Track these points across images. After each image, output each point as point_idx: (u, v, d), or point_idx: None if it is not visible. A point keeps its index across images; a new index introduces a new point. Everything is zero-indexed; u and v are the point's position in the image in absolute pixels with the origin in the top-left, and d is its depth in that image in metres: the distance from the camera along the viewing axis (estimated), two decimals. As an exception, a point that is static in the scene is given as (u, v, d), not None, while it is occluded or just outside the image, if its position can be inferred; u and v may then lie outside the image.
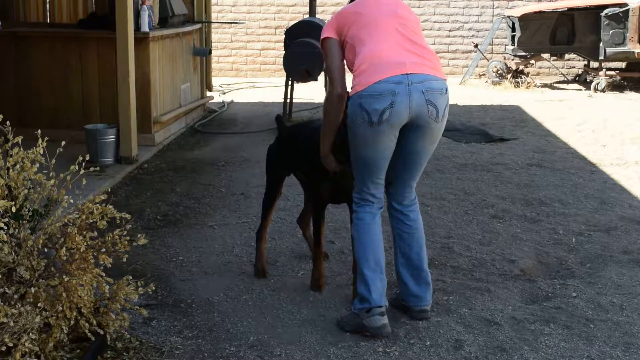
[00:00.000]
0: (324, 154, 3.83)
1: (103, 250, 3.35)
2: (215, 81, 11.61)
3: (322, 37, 3.83)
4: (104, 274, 3.37)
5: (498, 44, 13.15)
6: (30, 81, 7.45)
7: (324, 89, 8.73)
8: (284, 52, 8.33)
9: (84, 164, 3.45)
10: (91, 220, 3.34)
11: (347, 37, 3.72)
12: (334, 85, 3.70)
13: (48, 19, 9.53)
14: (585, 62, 12.57)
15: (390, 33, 3.68)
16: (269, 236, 5.05)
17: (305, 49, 7.76)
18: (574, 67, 13.25)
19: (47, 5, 9.52)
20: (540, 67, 13.20)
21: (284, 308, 3.98)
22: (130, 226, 3.48)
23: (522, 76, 12.11)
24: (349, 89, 3.70)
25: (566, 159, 7.33)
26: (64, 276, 3.17)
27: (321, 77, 8.51)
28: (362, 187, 3.78)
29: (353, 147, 3.71)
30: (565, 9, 11.82)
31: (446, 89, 3.70)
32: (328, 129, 3.78)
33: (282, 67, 8.88)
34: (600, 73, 11.68)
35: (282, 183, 4.48)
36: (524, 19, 11.69)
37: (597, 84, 11.58)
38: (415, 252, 3.88)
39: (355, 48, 3.68)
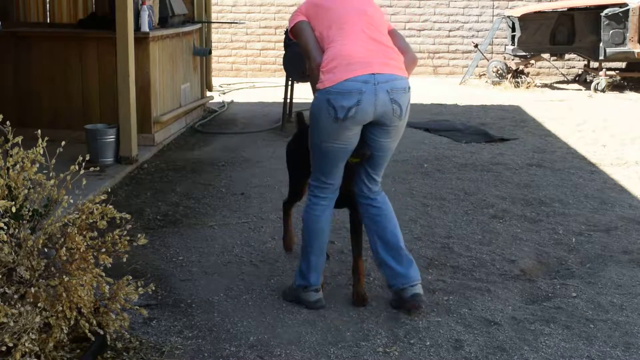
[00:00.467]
0: None
1: (103, 250, 3.35)
2: (215, 81, 11.61)
3: (291, 26, 4.00)
4: (104, 274, 3.37)
5: (498, 44, 13.15)
6: (30, 81, 7.45)
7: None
8: (284, 52, 8.33)
9: (84, 164, 3.45)
10: (91, 220, 3.34)
11: (315, 31, 3.90)
12: (312, 58, 3.86)
13: (48, 19, 9.53)
14: (585, 62, 12.57)
15: (358, 32, 3.82)
16: (269, 236, 5.06)
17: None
18: (574, 67, 13.25)
19: (47, 5, 9.52)
20: (540, 67, 13.20)
21: (284, 308, 3.99)
22: (130, 226, 3.48)
23: (522, 76, 12.11)
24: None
25: (566, 159, 7.33)
26: (64, 276, 3.17)
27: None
28: (318, 176, 3.98)
29: (313, 136, 3.90)
30: (565, 9, 11.82)
31: (409, 88, 3.86)
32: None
33: (282, 67, 8.88)
34: (600, 73, 11.68)
35: (306, 181, 4.31)
36: (524, 19, 11.68)
37: (597, 84, 11.58)
38: (390, 231, 4.03)
39: (324, 43, 3.85)
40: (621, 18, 11.32)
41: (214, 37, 12.32)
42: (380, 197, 4.07)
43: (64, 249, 3.21)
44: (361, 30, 3.82)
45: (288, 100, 8.87)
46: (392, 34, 4.03)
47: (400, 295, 3.95)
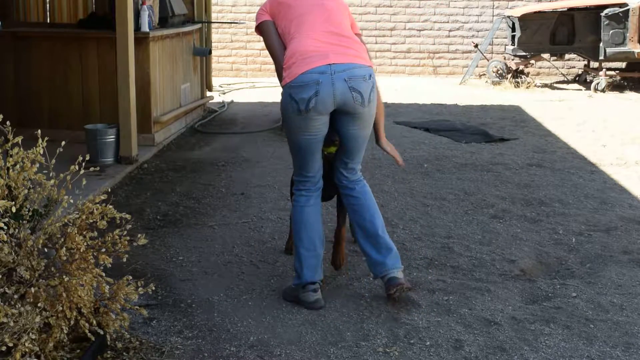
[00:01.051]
0: None
1: (103, 250, 3.35)
2: (215, 81, 11.61)
3: (257, 24, 4.14)
4: (104, 274, 3.37)
5: (498, 44, 13.15)
6: (30, 81, 7.45)
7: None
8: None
9: (84, 164, 3.45)
10: (91, 220, 3.34)
11: (279, 27, 4.06)
12: (276, 60, 4.05)
13: (48, 19, 9.51)
14: (585, 62, 12.57)
15: (316, 27, 3.95)
16: (269, 236, 5.06)
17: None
18: (574, 67, 13.25)
19: (47, 5, 9.51)
20: (540, 67, 13.20)
21: (284, 308, 3.99)
22: (130, 226, 3.48)
23: (522, 76, 12.11)
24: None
25: (566, 159, 7.33)
26: (64, 276, 3.17)
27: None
28: (299, 171, 4.12)
29: (288, 134, 4.08)
30: (565, 9, 11.81)
31: (370, 75, 3.93)
32: None
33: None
34: (600, 73, 11.68)
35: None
36: (524, 19, 11.68)
37: (597, 84, 11.58)
38: (368, 220, 4.09)
39: (286, 39, 4.01)
40: (621, 18, 11.32)
41: (214, 37, 12.33)
42: (359, 186, 4.15)
43: (64, 249, 3.21)
44: (320, 23, 3.96)
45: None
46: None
47: (383, 280, 4.06)
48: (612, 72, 12.05)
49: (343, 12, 4.09)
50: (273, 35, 4.07)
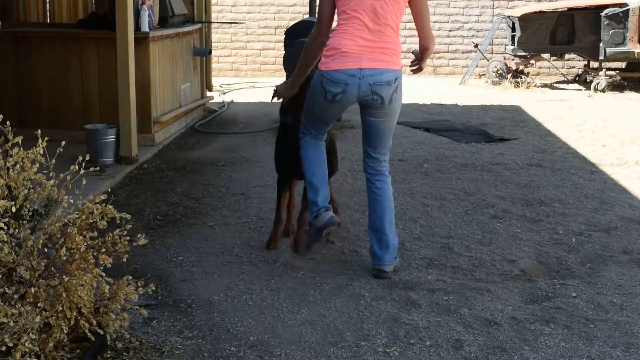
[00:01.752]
0: (292, 86, 4.52)
1: (103, 250, 3.35)
2: (215, 81, 11.61)
3: None
4: (104, 274, 3.37)
5: (498, 44, 13.15)
6: (30, 81, 7.45)
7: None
8: (284, 52, 8.33)
9: (84, 164, 3.44)
10: (91, 220, 3.34)
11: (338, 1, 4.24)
12: (321, 32, 4.30)
13: (48, 19, 9.52)
14: (585, 62, 12.57)
15: (361, 24, 4.14)
16: (269, 236, 5.05)
17: (305, 49, 7.75)
18: (574, 67, 13.25)
19: (47, 5, 9.52)
20: (540, 67, 13.20)
21: (284, 308, 3.98)
22: (130, 226, 3.47)
23: (522, 76, 12.11)
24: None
25: (566, 159, 7.33)
26: (64, 276, 3.17)
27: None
28: (308, 127, 4.51)
29: (308, 100, 4.43)
30: (565, 9, 11.82)
31: (395, 80, 4.22)
32: (303, 66, 4.44)
33: (282, 67, 8.88)
34: (600, 73, 11.68)
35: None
36: (524, 19, 11.68)
37: (597, 84, 11.58)
38: (379, 215, 4.39)
39: (338, 11, 4.25)
40: (621, 18, 11.32)
41: (214, 37, 12.32)
42: (380, 182, 4.41)
43: (64, 249, 3.21)
44: (366, 22, 4.14)
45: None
46: (416, 13, 4.28)
47: (372, 266, 4.43)
48: (612, 72, 12.05)
49: (395, 6, 4.17)
50: (327, 4, 4.27)
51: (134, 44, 6.70)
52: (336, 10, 4.28)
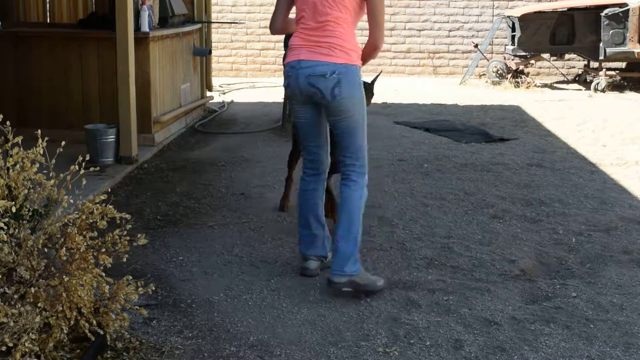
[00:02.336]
0: None
1: (103, 250, 3.35)
2: (215, 81, 11.61)
3: None
4: (104, 274, 3.37)
5: (498, 44, 13.15)
6: (30, 81, 7.45)
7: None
8: (284, 52, 8.32)
9: (84, 164, 3.44)
10: (91, 220, 3.34)
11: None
12: (270, 27, 4.51)
13: (48, 19, 9.51)
14: (585, 62, 12.57)
15: (308, 20, 4.17)
16: (269, 236, 5.06)
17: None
18: (574, 67, 13.25)
19: (47, 5, 9.51)
20: (540, 67, 13.20)
21: (284, 308, 3.98)
22: (130, 226, 3.47)
23: (522, 76, 12.11)
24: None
25: (566, 159, 7.33)
26: (64, 276, 3.17)
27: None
28: (302, 148, 4.52)
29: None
30: (565, 9, 11.82)
31: (334, 72, 4.08)
32: None
33: (282, 67, 8.87)
34: (600, 73, 11.68)
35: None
36: (524, 19, 11.68)
37: (597, 84, 11.58)
38: (338, 226, 4.20)
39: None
40: (621, 18, 11.32)
41: (214, 37, 12.32)
42: (345, 186, 4.22)
43: (64, 249, 3.20)
44: (309, 18, 4.16)
45: (288, 100, 8.87)
46: (368, 12, 4.20)
47: None
48: (612, 72, 12.05)
49: (341, 2, 4.12)
50: (282, 3, 4.38)
51: (134, 44, 6.70)
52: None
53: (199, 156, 7.40)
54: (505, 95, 11.35)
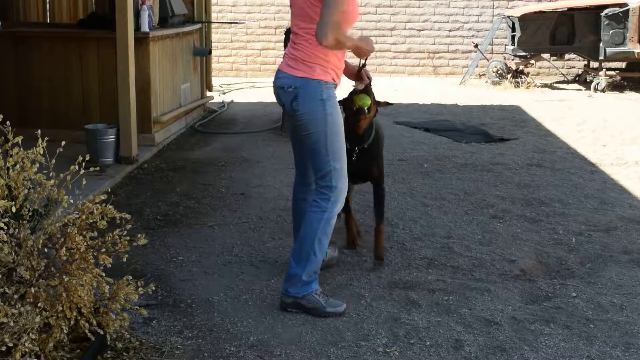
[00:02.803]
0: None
1: (103, 250, 3.35)
2: (215, 81, 11.61)
3: None
4: (104, 274, 3.37)
5: (498, 44, 13.15)
6: (31, 81, 7.45)
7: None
8: (283, 52, 8.33)
9: (84, 164, 3.45)
10: (91, 220, 3.34)
11: None
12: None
13: (48, 19, 9.53)
14: (585, 62, 12.57)
15: (293, 22, 4.04)
16: (269, 236, 5.06)
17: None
18: (574, 67, 13.25)
19: (47, 5, 9.52)
20: (540, 67, 13.20)
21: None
22: (130, 226, 3.48)
23: (522, 76, 12.10)
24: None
25: (566, 159, 7.33)
26: (64, 276, 3.17)
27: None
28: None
29: None
30: (565, 9, 11.82)
31: (292, 86, 3.93)
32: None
33: (282, 67, 8.85)
34: (600, 73, 11.68)
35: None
36: (524, 19, 11.68)
37: (597, 84, 11.58)
38: (295, 245, 4.06)
39: None
40: (621, 18, 11.32)
41: (214, 37, 12.32)
42: (308, 213, 3.94)
43: (64, 249, 3.21)
44: (293, 26, 4.04)
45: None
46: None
47: None
48: (612, 72, 12.05)
49: (304, 5, 3.90)
50: None
51: (134, 44, 6.70)
52: None
53: (199, 156, 7.40)
54: (505, 95, 11.36)
